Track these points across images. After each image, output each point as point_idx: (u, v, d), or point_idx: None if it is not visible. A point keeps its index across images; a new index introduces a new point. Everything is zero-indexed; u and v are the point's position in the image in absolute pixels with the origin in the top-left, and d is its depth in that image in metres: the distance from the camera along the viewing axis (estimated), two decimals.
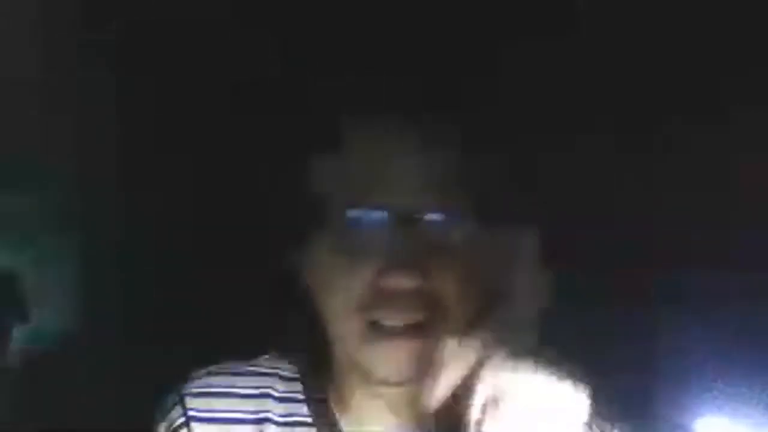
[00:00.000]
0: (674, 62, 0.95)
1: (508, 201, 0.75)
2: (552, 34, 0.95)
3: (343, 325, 0.71)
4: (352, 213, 0.70)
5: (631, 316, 0.95)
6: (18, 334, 1.10)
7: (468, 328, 0.70)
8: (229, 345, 0.83)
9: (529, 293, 0.67)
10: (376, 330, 0.70)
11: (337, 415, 0.77)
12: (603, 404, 0.65)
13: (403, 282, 0.68)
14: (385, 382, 0.71)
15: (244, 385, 0.78)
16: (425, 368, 0.70)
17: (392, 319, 0.69)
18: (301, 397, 0.78)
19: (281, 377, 0.79)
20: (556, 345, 0.64)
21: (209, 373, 0.79)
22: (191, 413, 0.76)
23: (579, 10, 0.94)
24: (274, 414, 0.77)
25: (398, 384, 0.70)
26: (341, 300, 0.71)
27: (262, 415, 0.77)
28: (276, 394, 0.78)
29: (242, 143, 1.01)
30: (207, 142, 1.03)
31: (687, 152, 0.96)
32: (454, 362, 0.64)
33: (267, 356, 0.81)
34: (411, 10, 0.94)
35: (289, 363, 0.80)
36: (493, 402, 0.61)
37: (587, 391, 0.63)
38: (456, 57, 0.92)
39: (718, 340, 0.94)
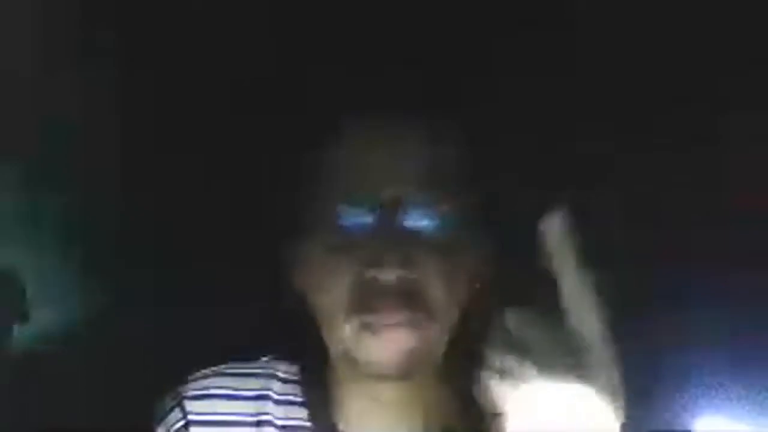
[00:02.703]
0: (674, 60, 0.95)
1: (497, 196, 0.76)
2: (547, 31, 0.95)
3: (335, 323, 0.71)
4: (338, 210, 0.70)
5: (630, 315, 0.95)
6: (18, 334, 1.10)
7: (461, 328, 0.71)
8: (228, 346, 0.83)
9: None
10: (366, 327, 0.70)
11: (336, 417, 0.77)
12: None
13: (385, 273, 0.68)
14: (380, 376, 0.71)
15: (243, 387, 0.78)
16: (419, 363, 0.70)
17: (381, 316, 0.69)
18: (299, 399, 0.78)
19: (280, 379, 0.79)
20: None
21: (208, 375, 0.79)
22: (190, 416, 0.76)
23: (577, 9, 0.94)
24: (273, 416, 0.77)
25: (393, 378, 0.70)
26: (330, 298, 0.71)
27: (261, 418, 0.76)
28: (275, 396, 0.78)
29: (241, 143, 1.01)
30: (206, 142, 1.03)
31: (687, 151, 0.96)
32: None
33: (266, 358, 0.81)
34: (408, 8, 0.94)
35: (288, 365, 0.80)
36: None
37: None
38: (445, 54, 0.92)
39: (718, 340, 0.94)
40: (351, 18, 0.96)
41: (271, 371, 0.79)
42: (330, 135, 0.73)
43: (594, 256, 0.94)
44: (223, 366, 0.80)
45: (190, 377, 0.79)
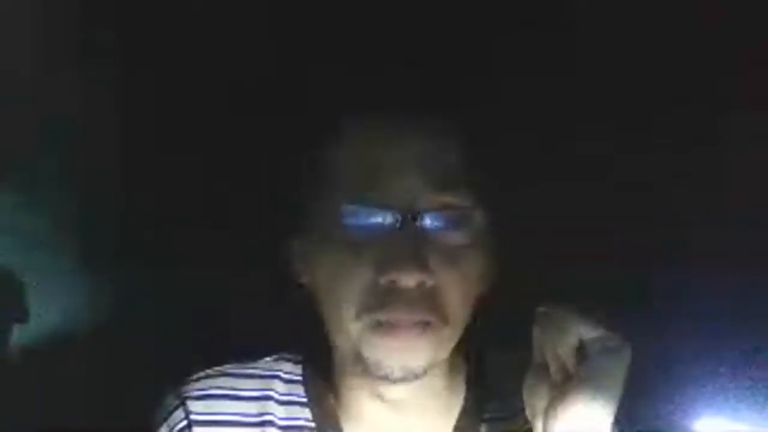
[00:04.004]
0: (674, 60, 0.95)
1: (511, 199, 0.76)
2: (547, 31, 0.95)
3: (344, 321, 0.70)
4: (353, 211, 0.70)
5: (630, 314, 0.95)
6: (18, 333, 1.10)
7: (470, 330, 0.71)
8: (231, 347, 0.83)
9: None
10: (379, 328, 0.69)
11: (340, 418, 0.77)
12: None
13: (405, 278, 0.68)
14: (389, 379, 0.70)
15: (246, 387, 0.78)
16: (428, 366, 0.70)
17: (396, 318, 0.69)
18: (303, 399, 0.77)
19: (283, 379, 0.79)
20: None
21: (210, 376, 0.78)
22: (193, 416, 0.76)
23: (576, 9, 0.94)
24: (276, 417, 0.76)
25: (401, 380, 0.70)
26: (344, 300, 0.70)
27: (263, 418, 0.76)
28: (277, 397, 0.77)
29: (241, 143, 1.01)
30: (206, 142, 1.03)
31: (685, 151, 0.96)
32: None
33: (269, 358, 0.81)
34: (408, 8, 0.94)
35: (292, 365, 0.80)
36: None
37: None
38: (454, 55, 0.92)
39: (718, 339, 0.93)
40: (351, 18, 0.96)
41: (273, 372, 0.79)
42: (331, 135, 0.73)
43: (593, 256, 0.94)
44: (225, 366, 0.80)
45: (192, 377, 0.79)
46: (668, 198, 0.97)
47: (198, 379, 0.78)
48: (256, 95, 1.00)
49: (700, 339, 0.94)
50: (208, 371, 0.79)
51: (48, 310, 1.09)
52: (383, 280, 0.68)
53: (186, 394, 0.77)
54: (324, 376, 0.78)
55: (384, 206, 0.69)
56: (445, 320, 0.70)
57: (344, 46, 0.95)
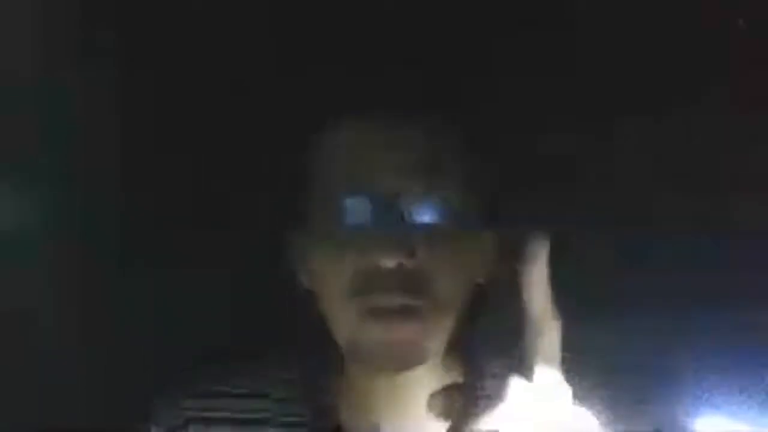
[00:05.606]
0: (674, 60, 0.95)
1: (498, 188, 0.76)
2: (547, 31, 0.95)
3: (340, 314, 0.71)
4: (340, 204, 0.71)
5: (630, 314, 0.95)
6: (18, 332, 1.09)
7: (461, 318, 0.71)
8: (229, 345, 0.83)
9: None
10: (372, 315, 0.70)
11: (339, 413, 0.77)
12: (602, 404, 0.65)
13: (388, 262, 0.69)
14: (383, 369, 0.71)
15: (242, 385, 0.78)
16: (419, 353, 0.70)
17: (386, 301, 0.69)
18: (299, 397, 0.78)
19: (280, 378, 0.79)
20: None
21: (207, 374, 0.79)
22: (189, 414, 0.76)
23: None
24: (273, 414, 0.77)
25: (399, 370, 0.71)
26: (335, 288, 0.71)
27: (260, 415, 0.77)
28: (275, 395, 0.78)
29: (241, 143, 1.01)
30: (206, 142, 1.04)
31: (687, 151, 0.96)
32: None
33: (266, 357, 0.82)
34: (408, 8, 0.94)
35: (289, 363, 0.80)
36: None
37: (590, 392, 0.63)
38: (445, 54, 0.92)
39: (718, 339, 0.94)
40: (351, 18, 0.96)
41: (270, 370, 0.80)
42: (329, 134, 0.74)
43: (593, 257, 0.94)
44: (223, 365, 0.80)
45: (189, 375, 0.79)
46: (668, 198, 0.97)
47: (194, 377, 0.79)
48: (256, 95, 1.00)
49: (700, 339, 0.94)
50: (205, 369, 0.80)
51: (48, 308, 1.09)
52: (367, 264, 0.69)
53: (182, 392, 0.78)
54: (322, 374, 0.78)
55: (369, 197, 0.71)
56: (432, 306, 0.70)
57: (341, 46, 0.95)
